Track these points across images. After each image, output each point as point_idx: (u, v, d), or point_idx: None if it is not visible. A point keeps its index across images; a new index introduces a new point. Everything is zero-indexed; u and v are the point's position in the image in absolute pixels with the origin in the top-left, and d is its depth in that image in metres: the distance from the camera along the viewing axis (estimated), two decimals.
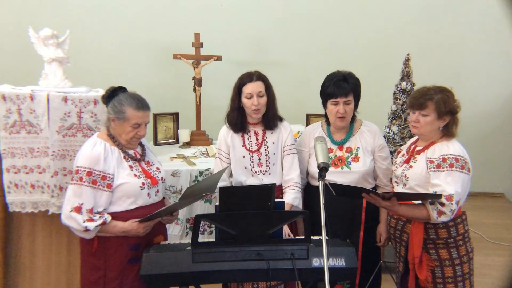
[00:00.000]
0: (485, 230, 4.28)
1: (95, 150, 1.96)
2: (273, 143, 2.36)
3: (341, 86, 2.25)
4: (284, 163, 2.37)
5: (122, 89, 2.05)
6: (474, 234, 2.22)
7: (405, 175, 2.13)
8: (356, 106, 2.35)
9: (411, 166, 2.13)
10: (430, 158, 2.07)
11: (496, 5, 4.64)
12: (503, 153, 5.31)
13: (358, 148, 2.34)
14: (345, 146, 2.37)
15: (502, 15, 4.67)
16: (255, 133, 2.37)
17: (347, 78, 2.28)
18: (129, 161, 2.04)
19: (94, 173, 1.93)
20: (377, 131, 2.40)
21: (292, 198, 2.29)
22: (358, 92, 2.33)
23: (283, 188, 2.37)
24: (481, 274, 2.68)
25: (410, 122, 2.16)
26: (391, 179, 2.34)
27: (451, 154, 2.02)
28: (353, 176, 2.31)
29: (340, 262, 1.87)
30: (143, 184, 2.02)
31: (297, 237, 2.29)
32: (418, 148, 2.16)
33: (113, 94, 2.02)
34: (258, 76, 2.29)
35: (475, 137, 4.89)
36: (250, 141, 2.36)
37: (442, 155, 2.03)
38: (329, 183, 2.00)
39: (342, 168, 2.32)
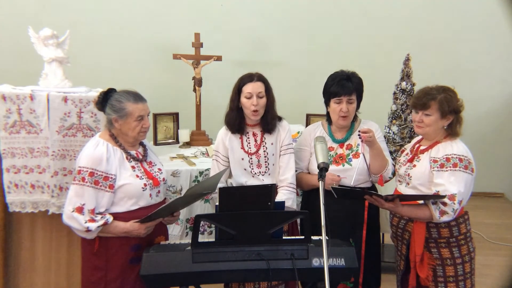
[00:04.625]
0: (485, 230, 4.28)
1: (97, 151, 1.97)
2: (272, 144, 2.35)
3: (344, 85, 2.27)
4: (280, 163, 2.36)
5: (112, 91, 2.05)
6: (474, 234, 2.23)
7: (408, 174, 2.14)
8: (358, 106, 2.36)
9: (414, 165, 2.13)
10: (434, 157, 2.07)
11: (496, 4, 4.64)
12: (503, 153, 5.31)
13: (358, 144, 2.34)
14: (346, 143, 2.37)
15: (502, 15, 4.67)
16: (254, 134, 2.36)
17: (351, 77, 2.30)
18: (131, 161, 2.04)
19: (97, 173, 1.93)
20: (375, 126, 2.40)
21: (284, 199, 2.26)
22: (361, 92, 2.34)
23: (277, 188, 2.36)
24: (481, 274, 2.68)
25: (414, 122, 2.16)
26: (393, 174, 2.34)
27: (455, 154, 2.02)
28: (354, 172, 2.31)
29: (340, 262, 1.87)
30: (145, 185, 2.02)
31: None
32: (422, 148, 2.16)
33: (106, 97, 2.02)
34: (258, 77, 2.29)
35: (475, 137, 4.90)
36: (249, 143, 2.35)
37: (446, 155, 2.03)
38: (331, 186, 2.01)
39: (343, 165, 2.33)
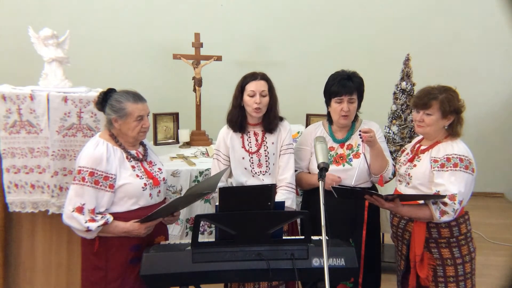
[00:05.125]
0: (485, 230, 4.28)
1: (97, 150, 1.97)
2: (272, 143, 2.35)
3: (346, 84, 2.27)
4: (279, 163, 2.36)
5: (112, 91, 2.05)
6: (474, 234, 2.23)
7: (409, 174, 2.14)
8: (359, 106, 2.36)
9: (415, 165, 2.13)
10: (435, 157, 2.07)
11: (496, 5, 4.64)
12: (503, 153, 5.31)
13: (358, 144, 2.34)
14: (346, 143, 2.37)
15: (502, 15, 4.67)
16: (255, 134, 2.36)
17: (352, 77, 2.31)
18: (131, 161, 2.04)
19: (97, 173, 1.93)
20: (376, 127, 2.40)
21: (282, 199, 2.25)
22: (362, 91, 2.34)
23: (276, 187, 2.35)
24: (481, 274, 2.68)
25: (414, 121, 2.16)
26: (394, 174, 2.34)
27: (455, 154, 2.02)
28: (355, 172, 2.31)
29: (340, 262, 1.87)
30: (145, 184, 2.02)
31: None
32: (422, 147, 2.16)
33: (105, 98, 2.02)
34: (262, 76, 2.30)
35: (475, 137, 4.89)
36: (250, 142, 2.35)
37: (446, 155, 2.03)
38: (332, 186, 2.00)
39: (343, 165, 2.33)
